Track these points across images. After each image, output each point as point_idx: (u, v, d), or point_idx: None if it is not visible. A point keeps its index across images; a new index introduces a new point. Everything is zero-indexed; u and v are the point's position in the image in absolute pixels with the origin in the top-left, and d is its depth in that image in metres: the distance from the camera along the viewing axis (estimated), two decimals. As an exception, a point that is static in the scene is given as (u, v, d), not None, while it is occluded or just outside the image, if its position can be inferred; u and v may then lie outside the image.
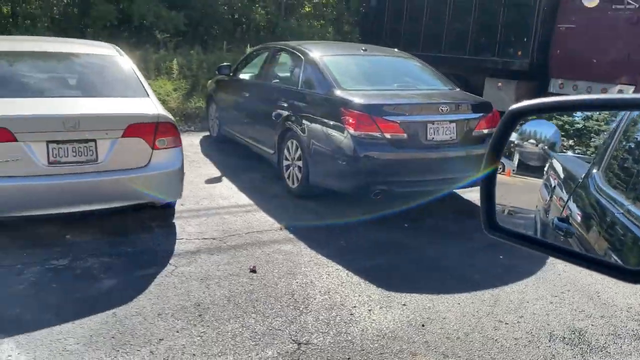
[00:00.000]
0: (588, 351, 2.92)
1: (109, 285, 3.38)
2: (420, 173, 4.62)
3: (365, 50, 5.74)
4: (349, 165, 4.51)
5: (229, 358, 2.69)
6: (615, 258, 1.04)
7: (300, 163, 5.13)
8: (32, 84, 4.13)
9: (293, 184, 5.29)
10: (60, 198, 3.76)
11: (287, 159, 5.38)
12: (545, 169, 1.29)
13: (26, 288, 3.28)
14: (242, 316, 3.08)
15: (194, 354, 2.70)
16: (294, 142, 5.21)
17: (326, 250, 4.05)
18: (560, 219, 1.24)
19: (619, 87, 6.91)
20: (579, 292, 3.55)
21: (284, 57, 6.05)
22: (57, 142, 3.67)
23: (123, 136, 3.86)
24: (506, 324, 3.15)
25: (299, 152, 5.14)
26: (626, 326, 3.18)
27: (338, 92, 4.75)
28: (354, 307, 3.25)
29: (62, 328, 2.85)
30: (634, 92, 6.69)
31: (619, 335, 3.08)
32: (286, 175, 5.40)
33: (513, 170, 1.26)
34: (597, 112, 1.20)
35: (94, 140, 3.79)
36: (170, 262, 3.75)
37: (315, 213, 4.88)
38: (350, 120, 4.46)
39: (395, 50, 6.29)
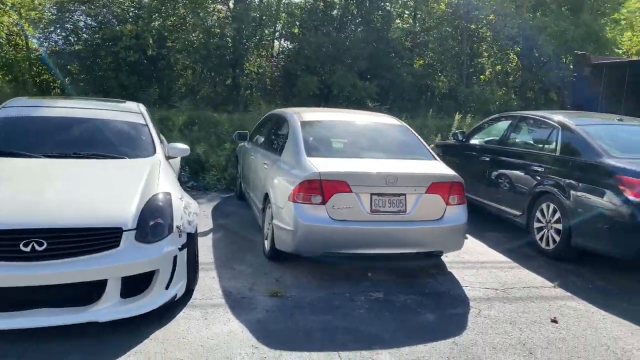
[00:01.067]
0: None
1: (431, 318, 3.93)
2: None
3: (621, 120, 5.94)
4: (628, 231, 4.66)
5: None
6: None
7: (556, 226, 5.40)
8: (353, 146, 5.08)
9: (547, 245, 5.53)
10: (377, 241, 4.49)
11: (539, 222, 5.68)
12: None
13: (366, 312, 3.97)
14: (570, 358, 3.39)
15: (548, 385, 3.07)
16: (551, 205, 5.50)
17: (614, 310, 4.21)
18: None
19: None
20: None
21: (531, 125, 6.45)
22: (378, 194, 4.45)
23: (426, 192, 4.54)
24: None
25: (556, 215, 5.41)
26: None
27: (609, 160, 5.00)
28: (679, 365, 3.38)
29: (419, 348, 3.43)
30: None
31: None
32: (537, 237, 5.69)
33: None
34: None
35: (404, 195, 4.51)
36: (471, 305, 4.22)
37: (577, 273, 5.06)
38: (630, 188, 4.66)
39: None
